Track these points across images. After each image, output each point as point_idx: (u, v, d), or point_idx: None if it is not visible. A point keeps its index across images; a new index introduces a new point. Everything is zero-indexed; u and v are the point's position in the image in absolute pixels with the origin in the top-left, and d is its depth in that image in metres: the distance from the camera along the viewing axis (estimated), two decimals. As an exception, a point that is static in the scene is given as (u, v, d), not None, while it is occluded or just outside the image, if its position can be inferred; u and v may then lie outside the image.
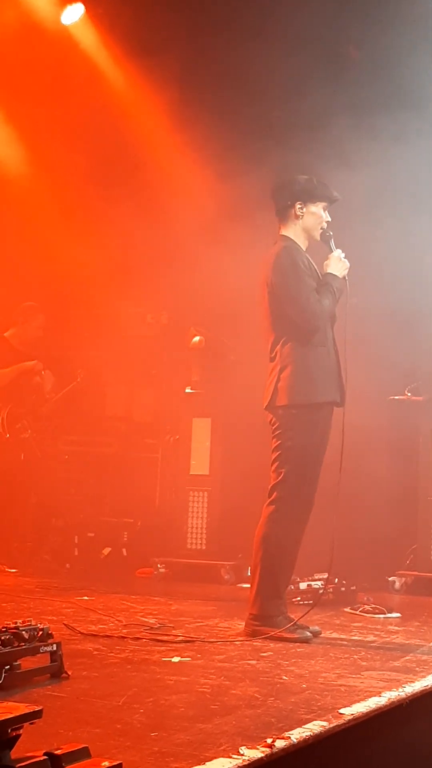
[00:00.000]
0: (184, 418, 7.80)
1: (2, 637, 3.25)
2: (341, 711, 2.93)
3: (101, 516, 8.23)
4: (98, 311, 8.62)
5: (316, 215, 4.89)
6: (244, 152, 7.47)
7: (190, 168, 7.76)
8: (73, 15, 8.07)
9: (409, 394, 7.27)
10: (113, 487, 8.41)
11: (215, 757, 2.40)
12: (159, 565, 7.50)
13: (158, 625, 4.76)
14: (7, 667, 3.19)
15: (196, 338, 7.77)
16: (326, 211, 4.93)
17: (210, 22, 7.94)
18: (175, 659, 3.89)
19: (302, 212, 4.88)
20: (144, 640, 4.34)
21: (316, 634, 4.64)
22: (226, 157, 7.42)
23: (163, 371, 8.60)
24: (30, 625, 3.40)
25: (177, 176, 7.96)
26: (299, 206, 4.88)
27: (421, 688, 3.35)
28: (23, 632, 3.33)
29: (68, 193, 8.24)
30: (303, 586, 5.95)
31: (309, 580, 5.98)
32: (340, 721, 2.81)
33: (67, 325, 8.45)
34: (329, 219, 4.93)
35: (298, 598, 5.78)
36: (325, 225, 4.92)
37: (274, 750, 2.48)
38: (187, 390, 7.79)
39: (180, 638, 4.41)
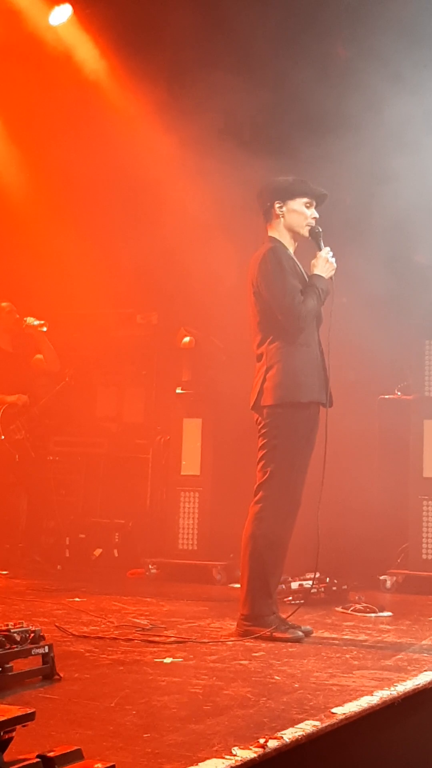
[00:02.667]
0: (174, 419, 7.81)
1: (-6, 640, 3.24)
2: (333, 710, 2.93)
3: (92, 517, 8.23)
4: (89, 311, 8.62)
5: (297, 212, 4.88)
6: (236, 153, 7.48)
7: (180, 169, 7.76)
8: (60, 16, 8.06)
9: (399, 393, 7.30)
10: (104, 488, 8.41)
11: (208, 758, 2.40)
12: (150, 566, 7.50)
13: (150, 626, 4.76)
14: (-1, 669, 3.19)
15: (187, 338, 7.78)
16: (312, 208, 4.91)
17: (201, 21, 7.93)
18: (167, 660, 3.89)
19: (282, 211, 4.89)
20: (136, 641, 4.34)
21: (307, 634, 4.64)
22: (218, 159, 7.42)
23: (153, 372, 8.61)
24: (21, 627, 3.40)
25: (167, 177, 7.96)
26: (278, 205, 4.89)
27: (413, 687, 3.35)
28: (15, 634, 3.32)
29: (56, 193, 8.23)
30: (294, 585, 5.96)
31: (300, 580, 5.98)
32: (333, 721, 2.81)
33: (58, 326, 8.44)
34: (316, 215, 4.92)
35: (290, 598, 5.79)
36: (311, 222, 4.90)
37: (267, 750, 2.48)
38: (178, 390, 7.80)
39: (172, 639, 4.41)
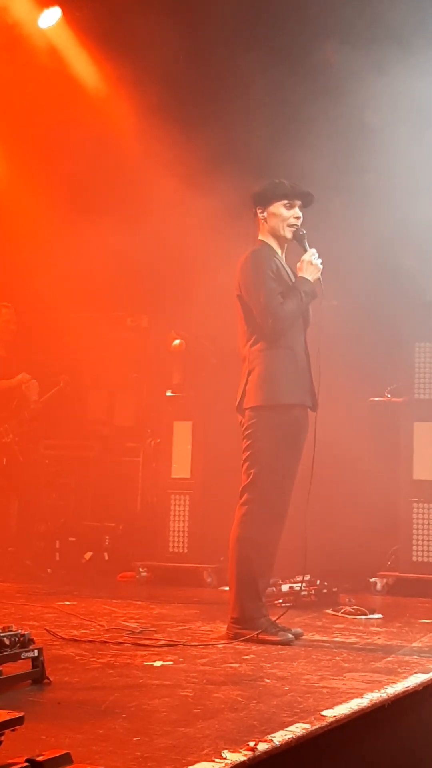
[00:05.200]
0: (165, 422, 7.80)
1: (-17, 644, 3.24)
2: (324, 713, 2.93)
3: (83, 520, 8.22)
4: (79, 315, 8.61)
5: (276, 215, 4.86)
6: (224, 156, 7.48)
7: (169, 172, 7.76)
8: (50, 18, 8.06)
9: (389, 396, 7.30)
10: (95, 491, 8.40)
11: (198, 762, 2.39)
12: (141, 569, 7.49)
13: (140, 630, 4.75)
14: (-11, 673, 3.18)
15: (177, 341, 7.77)
16: (295, 208, 4.86)
17: (189, 23, 7.94)
18: (158, 663, 3.89)
19: (264, 216, 4.88)
20: (126, 644, 4.33)
21: (298, 636, 4.64)
22: (206, 161, 7.42)
23: (143, 375, 8.60)
24: (11, 630, 3.39)
25: (156, 180, 7.96)
26: (260, 211, 4.89)
27: (403, 689, 3.35)
28: (4, 638, 3.31)
29: (45, 196, 8.21)
30: (285, 588, 5.96)
31: (291, 582, 5.98)
32: (323, 723, 2.81)
33: (48, 329, 8.43)
34: (299, 215, 4.87)
35: (281, 600, 5.78)
36: (293, 222, 4.86)
37: (257, 753, 2.48)
38: (168, 393, 7.79)
39: (162, 642, 4.40)
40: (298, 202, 4.88)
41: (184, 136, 7.59)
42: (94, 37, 8.13)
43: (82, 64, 8.27)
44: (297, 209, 4.88)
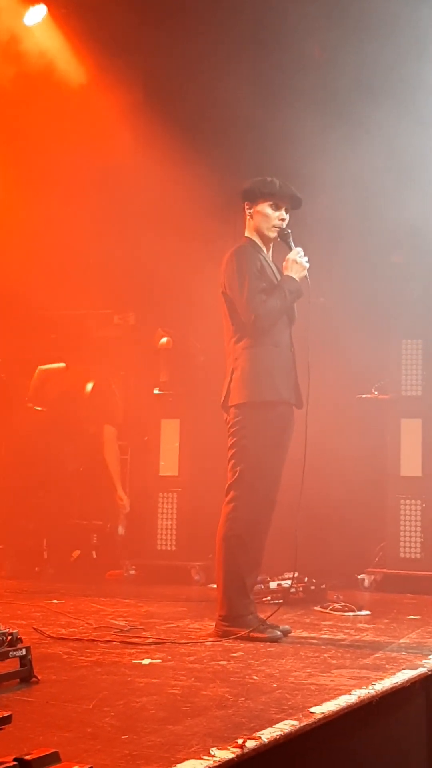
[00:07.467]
0: (152, 420, 7.80)
1: (-29, 643, 3.23)
2: (312, 710, 2.93)
3: (70, 518, 8.20)
4: (66, 312, 8.59)
5: (262, 214, 4.85)
6: (213, 155, 7.48)
7: (154, 168, 7.75)
8: (35, 16, 8.04)
9: (376, 393, 7.32)
10: (82, 489, 8.38)
11: (186, 759, 2.39)
12: (129, 567, 7.49)
13: (128, 628, 4.75)
14: (-24, 672, 3.17)
15: (164, 339, 7.77)
16: (281, 210, 4.85)
17: (177, 21, 7.93)
18: (146, 661, 3.88)
19: (250, 213, 4.88)
20: (114, 642, 4.33)
21: (286, 633, 4.64)
22: (192, 159, 7.41)
23: (131, 372, 8.59)
24: (-1, 629, 3.38)
25: (143, 176, 7.95)
26: (247, 208, 4.89)
27: (391, 686, 3.36)
28: (-8, 637, 3.31)
29: (32, 194, 8.19)
30: (273, 585, 5.97)
31: (279, 579, 5.99)
32: (311, 720, 2.81)
33: (36, 327, 8.41)
34: (285, 217, 4.87)
35: (268, 598, 5.79)
36: (278, 223, 4.85)
37: (245, 750, 2.48)
38: (156, 391, 7.79)
39: (150, 640, 4.40)
40: (285, 204, 4.87)
41: (170, 130, 7.58)
42: (79, 33, 8.11)
43: (68, 62, 8.25)
44: (283, 211, 4.86)
